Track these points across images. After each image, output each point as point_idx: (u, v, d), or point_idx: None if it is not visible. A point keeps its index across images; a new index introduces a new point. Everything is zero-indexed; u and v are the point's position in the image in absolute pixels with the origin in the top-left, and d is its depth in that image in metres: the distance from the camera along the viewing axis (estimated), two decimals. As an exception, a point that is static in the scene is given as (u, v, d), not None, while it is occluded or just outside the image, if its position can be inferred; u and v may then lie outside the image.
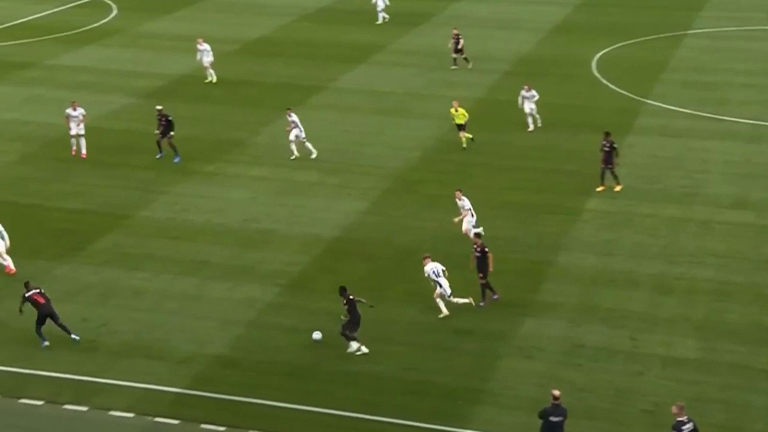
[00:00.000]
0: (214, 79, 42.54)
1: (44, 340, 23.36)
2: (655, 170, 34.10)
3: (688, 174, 33.83)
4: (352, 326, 23.26)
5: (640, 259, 27.99)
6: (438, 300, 24.86)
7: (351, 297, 23.37)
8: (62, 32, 47.38)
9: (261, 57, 46.83)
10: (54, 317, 23.42)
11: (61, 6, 54.28)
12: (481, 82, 42.81)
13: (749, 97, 41.31)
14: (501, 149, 36.07)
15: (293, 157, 34.20)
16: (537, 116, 37.45)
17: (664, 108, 40.15)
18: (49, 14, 52.94)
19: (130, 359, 23.06)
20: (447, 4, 57.38)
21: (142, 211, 30.69)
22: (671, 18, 54.10)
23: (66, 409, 21.21)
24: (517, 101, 37.60)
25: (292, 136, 34.26)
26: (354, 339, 23.23)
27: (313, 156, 34.23)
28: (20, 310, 23.59)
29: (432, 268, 24.90)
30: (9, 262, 26.77)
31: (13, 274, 26.50)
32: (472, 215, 28.59)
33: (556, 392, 19.58)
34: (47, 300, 23.42)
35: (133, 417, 21.01)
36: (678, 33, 51.31)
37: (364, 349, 23.28)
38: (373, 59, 46.85)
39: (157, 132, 34.48)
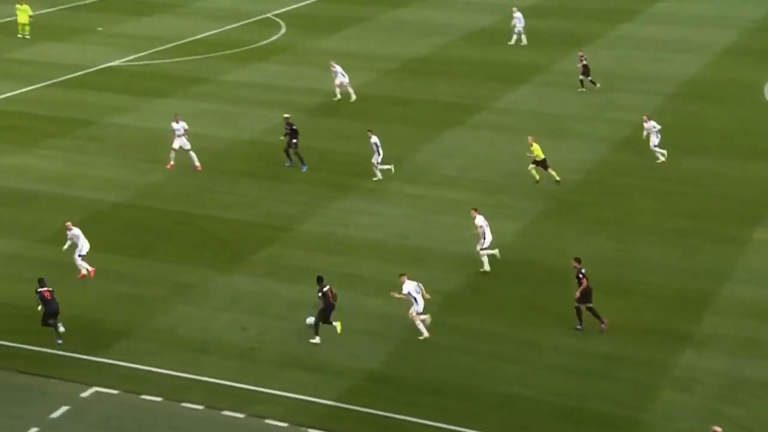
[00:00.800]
0: (353, 97, 42.80)
1: (58, 335, 24.38)
2: (829, 201, 32.43)
3: None
4: (321, 316, 24.05)
5: (810, 294, 26.67)
6: (416, 320, 24.68)
7: (325, 289, 24.15)
8: (233, 49, 49.11)
9: (421, 75, 47.21)
10: (55, 315, 24.45)
11: (233, 24, 56.32)
12: (644, 105, 41.82)
13: None
14: (665, 173, 35.11)
15: (375, 178, 34.21)
16: (657, 149, 35.59)
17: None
18: (221, 31, 54.97)
19: (286, 369, 23.57)
20: (613, 26, 56.37)
21: (301, 224, 31.39)
22: None
23: (224, 415, 21.86)
24: (680, 124, 36.51)
25: (374, 160, 34.13)
26: (317, 329, 24.15)
27: (379, 175, 33.94)
28: (38, 306, 24.58)
29: (412, 287, 24.81)
30: (84, 266, 27.59)
31: (92, 276, 27.44)
32: (484, 237, 27.97)
33: (718, 429, 18.85)
34: (53, 299, 24.53)
35: (287, 427, 21.46)
36: None
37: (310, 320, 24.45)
38: (535, 80, 46.48)
39: (282, 138, 35.37)
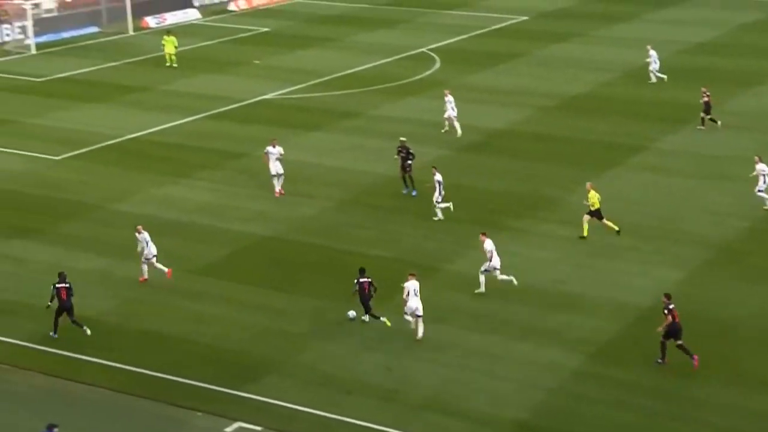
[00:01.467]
0: (459, 133, 42.74)
1: (55, 332, 26.31)
2: None
3: None
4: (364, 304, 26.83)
5: None
6: (407, 317, 26.50)
7: (363, 281, 26.93)
8: (386, 83, 49.70)
9: (580, 113, 46.55)
10: (70, 312, 26.23)
11: (387, 58, 57.07)
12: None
13: None
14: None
15: (436, 218, 34.07)
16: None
17: None
18: (375, 66, 55.78)
19: (430, 413, 23.39)
20: (787, 63, 54.31)
21: (450, 263, 31.25)
22: None
23: (362, 456, 21.84)
24: None
25: (434, 198, 33.97)
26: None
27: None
28: (50, 302, 26.40)
29: (413, 285, 26.55)
30: (160, 267, 29.63)
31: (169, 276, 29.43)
32: (491, 260, 28.62)
33: None
34: (69, 296, 26.17)
35: (427, 472, 21.23)
36: None
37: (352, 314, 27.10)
38: (700, 120, 45.12)
39: (396, 157, 36.20)
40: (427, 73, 54.41)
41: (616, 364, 25.44)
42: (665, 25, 65.19)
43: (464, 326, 27.28)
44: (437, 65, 56.08)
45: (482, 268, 28.90)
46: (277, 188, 36.09)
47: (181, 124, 45.75)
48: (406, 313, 26.67)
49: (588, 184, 32.90)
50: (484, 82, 51.95)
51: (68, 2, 65.54)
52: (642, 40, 60.96)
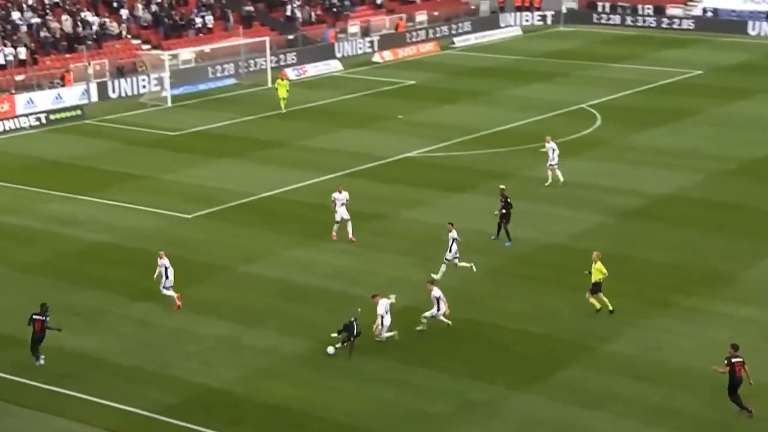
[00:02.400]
0: (561, 180, 43.49)
1: (38, 359, 28.66)
2: None
3: None
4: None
5: None
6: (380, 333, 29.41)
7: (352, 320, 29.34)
8: (540, 142, 49.24)
9: (760, 179, 44.99)
10: (38, 343, 28.63)
11: (542, 114, 56.75)
12: None
13: None
14: None
15: (437, 276, 34.29)
16: None
17: None
18: (528, 123, 55.55)
19: None
20: None
21: (608, 343, 30.36)
22: None
23: None
24: None
25: (446, 256, 34.47)
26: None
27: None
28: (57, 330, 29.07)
29: (384, 305, 29.46)
30: (171, 294, 32.44)
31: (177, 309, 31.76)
32: (438, 308, 30.38)
33: None
34: (43, 330, 28.58)
35: None
36: None
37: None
38: None
39: (495, 213, 37.77)
40: (587, 131, 53.81)
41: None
42: None
43: (621, 413, 26.31)
44: (598, 122, 55.42)
45: (428, 314, 30.66)
46: (350, 235, 38.34)
47: (317, 182, 46.43)
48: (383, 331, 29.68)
49: (595, 254, 32.03)
50: (651, 142, 50.97)
51: (207, 53, 68.00)
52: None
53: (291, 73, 68.78)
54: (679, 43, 76.11)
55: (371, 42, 76.40)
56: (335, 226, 38.57)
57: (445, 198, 43.61)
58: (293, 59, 70.97)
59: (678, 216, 40.83)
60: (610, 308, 31.99)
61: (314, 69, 70.36)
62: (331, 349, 29.62)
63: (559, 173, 44.01)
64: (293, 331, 31.35)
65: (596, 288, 32.06)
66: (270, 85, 65.46)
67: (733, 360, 25.88)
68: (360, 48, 75.80)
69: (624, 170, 46.77)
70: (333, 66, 71.63)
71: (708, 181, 44.94)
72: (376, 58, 74.25)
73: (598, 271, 31.92)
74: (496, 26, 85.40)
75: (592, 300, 32.07)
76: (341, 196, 38.44)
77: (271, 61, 67.77)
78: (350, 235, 38.52)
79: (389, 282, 34.39)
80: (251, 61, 69.01)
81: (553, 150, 44.20)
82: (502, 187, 38.63)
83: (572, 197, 43.13)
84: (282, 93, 58.67)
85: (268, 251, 38.18)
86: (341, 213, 38.48)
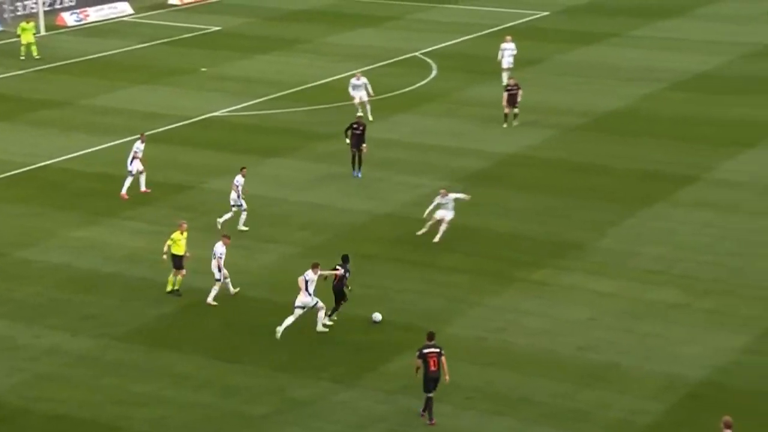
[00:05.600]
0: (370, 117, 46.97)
1: None
2: None
3: None
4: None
5: None
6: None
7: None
8: (370, 96, 49.99)
9: (617, 135, 47.05)
10: None
11: (370, 65, 57.47)
12: None
13: None
14: None
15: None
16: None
17: None
18: (355, 74, 56.21)
19: None
20: None
21: (447, 326, 31.42)
22: None
23: None
24: None
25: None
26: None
27: None
28: None
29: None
30: None
31: None
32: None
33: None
34: None
35: None
36: None
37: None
38: (767, 142, 45.70)
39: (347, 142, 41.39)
40: (421, 83, 54.92)
41: (660, 454, 25.67)
42: (724, 23, 66.05)
43: (465, 405, 27.38)
44: (434, 73, 56.61)
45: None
46: (142, 187, 40.59)
47: (107, 148, 46.02)
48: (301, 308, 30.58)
49: (181, 223, 33.56)
50: (493, 95, 52.40)
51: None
52: (694, 42, 61.76)
53: (70, 18, 67.52)
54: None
55: (167, -20, 75.55)
56: (128, 181, 39.90)
57: (260, 164, 43.94)
58: (71, 2, 69.58)
59: (525, 179, 42.30)
60: (173, 288, 32.93)
61: (98, 13, 69.30)
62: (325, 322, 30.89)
63: (368, 108, 47.50)
64: (82, 328, 31.22)
65: (178, 263, 32.86)
66: (44, 32, 64.13)
67: (425, 351, 26.49)
68: (153, -13, 74.87)
69: (465, 127, 48.08)
70: (121, 9, 70.68)
71: (558, 138, 46.70)
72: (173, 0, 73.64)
73: (178, 245, 32.77)
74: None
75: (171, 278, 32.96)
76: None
77: (44, 4, 66.26)
78: (143, 188, 40.30)
79: (196, 266, 34.51)
80: (18, 4, 67.28)
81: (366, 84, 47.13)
82: (359, 114, 41.96)
83: (408, 160, 44.11)
84: (27, 37, 57.98)
85: (50, 232, 37.77)
86: (136, 166, 40.05)
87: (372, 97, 48.32)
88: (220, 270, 32.50)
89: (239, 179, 37.40)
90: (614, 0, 72.65)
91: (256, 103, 51.90)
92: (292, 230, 37.60)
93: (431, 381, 26.48)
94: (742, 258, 35.30)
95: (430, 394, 26.50)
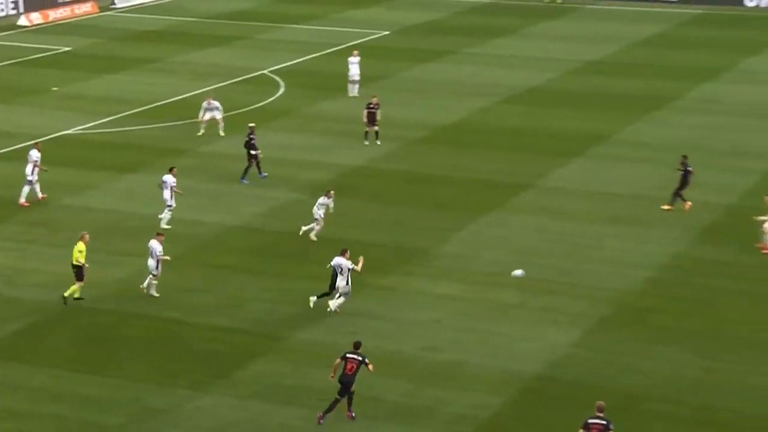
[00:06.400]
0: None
1: None
2: None
3: None
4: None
5: None
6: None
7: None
8: (222, 113, 49.66)
9: (456, 147, 47.65)
10: None
11: (221, 82, 57.19)
12: (734, 185, 41.94)
13: None
14: (760, 272, 35.04)
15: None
16: None
17: None
18: (207, 91, 55.79)
19: None
20: (694, 84, 56.96)
21: (299, 331, 31.40)
22: None
23: None
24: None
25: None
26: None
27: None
28: None
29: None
30: None
31: None
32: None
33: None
34: None
35: None
36: None
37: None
38: (593, 152, 46.85)
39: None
40: (270, 100, 54.81)
41: (501, 446, 26.05)
42: (551, 41, 67.67)
43: (317, 406, 27.38)
44: (281, 90, 56.55)
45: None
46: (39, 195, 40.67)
47: (-40, 167, 44.72)
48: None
49: (83, 235, 33.26)
50: (339, 110, 52.64)
51: None
52: (524, 59, 63.12)
53: None
54: (364, 3, 78.81)
55: (15, 2, 73.82)
56: (26, 189, 40.14)
57: (115, 180, 43.30)
58: None
59: (371, 190, 42.56)
60: (69, 295, 32.61)
61: (-53, 34, 67.26)
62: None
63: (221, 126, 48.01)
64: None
65: (79, 274, 32.56)
66: None
67: (348, 355, 26.84)
68: (2, 9, 73.08)
69: (313, 141, 48.14)
70: (-29, 30, 68.77)
71: (400, 150, 47.08)
72: (23, 21, 71.92)
73: (79, 253, 32.41)
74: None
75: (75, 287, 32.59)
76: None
77: None
78: (39, 195, 40.60)
79: (54, 280, 33.81)
80: None
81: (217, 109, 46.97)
82: (251, 124, 43.27)
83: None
84: None
85: None
86: (33, 174, 40.36)
87: (223, 116, 48.37)
88: (158, 267, 32.48)
89: (169, 178, 38.23)
90: (450, 20, 73.78)
91: (108, 121, 51.07)
92: (145, 244, 37.01)
93: (342, 384, 26.46)
94: (572, 260, 36.09)
95: (338, 396, 26.59)
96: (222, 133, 47.84)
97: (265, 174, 42.97)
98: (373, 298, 33.42)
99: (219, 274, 34.81)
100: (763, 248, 36.12)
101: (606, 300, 33.17)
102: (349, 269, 31.72)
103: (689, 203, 39.23)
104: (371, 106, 47.61)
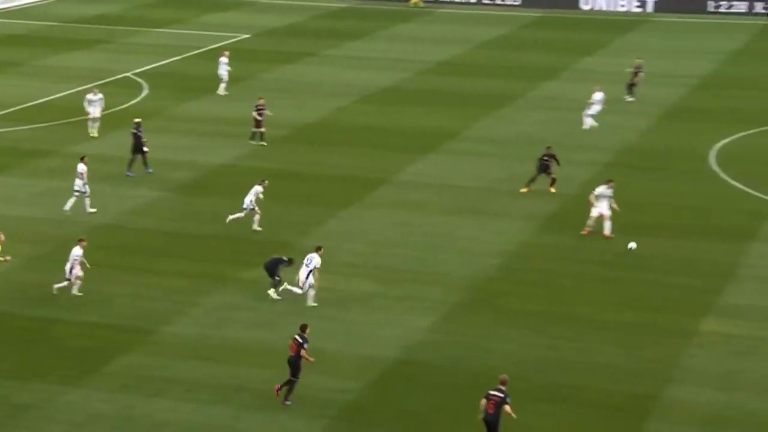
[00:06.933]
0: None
1: None
2: (788, 285, 33.54)
3: (829, 290, 33.20)
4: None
5: (769, 395, 27.40)
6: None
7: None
8: (84, 115, 48.57)
9: (314, 145, 47.58)
10: None
11: (83, 85, 55.96)
12: (574, 176, 42.82)
13: None
14: (597, 256, 35.84)
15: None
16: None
17: (798, 209, 39.68)
18: (69, 94, 54.64)
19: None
20: (536, 83, 57.98)
21: (168, 326, 30.97)
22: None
23: None
24: (618, 198, 37.36)
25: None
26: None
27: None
28: None
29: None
30: None
31: None
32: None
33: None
34: None
35: None
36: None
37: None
38: (445, 148, 47.30)
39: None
40: (133, 102, 53.88)
41: (360, 427, 26.04)
42: (401, 43, 68.16)
43: (185, 398, 27.06)
44: (145, 92, 55.66)
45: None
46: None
47: None
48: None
49: None
50: (202, 111, 52.08)
51: None
52: (379, 60, 63.45)
53: None
54: (223, 7, 78.14)
55: None
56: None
57: (-21, 182, 41.98)
58: None
59: (236, 187, 41.97)
60: None
61: None
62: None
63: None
64: None
65: None
66: None
67: (297, 336, 27.06)
68: None
69: (178, 142, 47.49)
70: None
71: (264, 149, 46.77)
72: None
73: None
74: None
75: None
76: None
77: None
78: None
79: None
80: None
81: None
82: (137, 120, 42.74)
83: (121, 173, 43.11)
84: None
85: None
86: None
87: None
88: (71, 271, 31.77)
89: (81, 167, 38.12)
90: (309, 23, 73.67)
91: (-27, 124, 49.51)
92: (13, 243, 35.99)
93: (289, 364, 26.80)
94: (427, 250, 36.38)
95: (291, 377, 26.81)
96: (95, 134, 46.76)
97: (151, 170, 42.64)
98: (238, 291, 33.14)
99: (87, 271, 34.04)
100: (586, 231, 37.00)
101: (459, 287, 33.53)
102: (316, 267, 31.57)
103: (526, 190, 40.17)
104: (259, 107, 47.05)
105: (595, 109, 49.19)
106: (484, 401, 24.29)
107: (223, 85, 54.31)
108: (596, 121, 49.16)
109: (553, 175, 40.87)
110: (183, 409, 26.66)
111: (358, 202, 40.69)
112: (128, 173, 42.37)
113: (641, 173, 41.99)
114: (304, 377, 27.88)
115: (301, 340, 26.90)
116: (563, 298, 32.85)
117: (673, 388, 27.68)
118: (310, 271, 31.65)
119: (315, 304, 31.79)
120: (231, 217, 37.36)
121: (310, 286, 31.75)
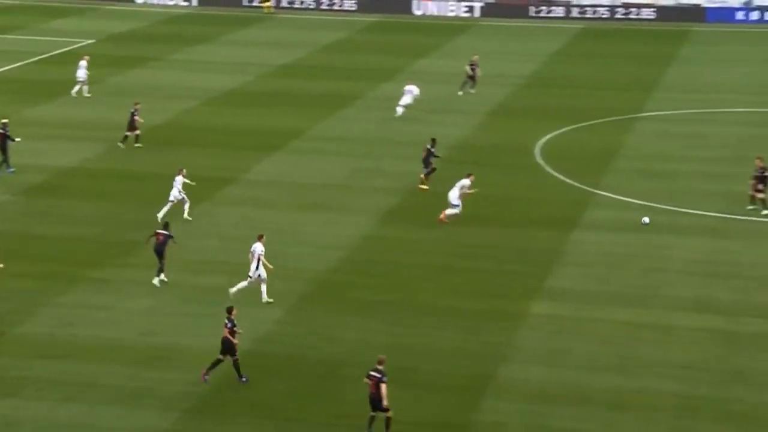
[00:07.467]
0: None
1: None
2: (608, 269, 34.57)
3: (644, 273, 34.34)
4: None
5: (593, 372, 28.15)
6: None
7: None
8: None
9: (161, 146, 46.76)
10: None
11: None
12: (409, 171, 43.24)
13: (712, 188, 42.35)
14: (437, 247, 36.28)
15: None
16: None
17: (616, 199, 40.95)
18: None
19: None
20: (374, 85, 58.33)
21: (18, 326, 29.98)
22: (621, 100, 55.68)
23: None
24: (448, 193, 37.93)
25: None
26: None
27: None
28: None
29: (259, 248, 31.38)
30: None
31: None
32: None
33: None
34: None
35: None
36: (629, 116, 52.76)
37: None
38: (290, 147, 47.17)
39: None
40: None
41: (214, 419, 25.73)
42: (244, 47, 67.72)
43: (36, 396, 26.26)
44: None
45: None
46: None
47: None
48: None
49: None
50: (47, 115, 50.70)
51: None
52: (222, 64, 62.92)
53: None
54: (66, 13, 76.20)
55: None
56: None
57: None
58: None
59: (84, 188, 41.21)
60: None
61: None
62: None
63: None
64: None
65: None
66: None
67: (229, 324, 27.10)
68: None
69: (23, 145, 45.89)
70: None
71: (110, 151, 45.75)
72: None
73: None
74: None
75: None
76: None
77: None
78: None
79: None
80: None
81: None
82: (4, 121, 41.33)
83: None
84: None
85: None
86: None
87: None
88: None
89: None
90: (153, 28, 72.50)
91: None
92: None
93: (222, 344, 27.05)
94: (274, 245, 36.00)
95: (220, 356, 27.04)
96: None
97: (13, 169, 41.85)
98: (89, 290, 32.36)
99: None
100: (442, 219, 37.53)
101: (306, 279, 33.47)
102: (259, 254, 31.29)
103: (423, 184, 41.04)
104: (134, 111, 45.88)
105: (405, 100, 50.52)
106: (366, 380, 24.50)
107: (85, 88, 53.39)
108: (414, 115, 50.19)
109: (428, 170, 41.26)
110: (36, 408, 25.86)
111: (207, 200, 40.17)
112: (9, 170, 41.84)
113: (472, 168, 42.61)
114: (158, 371, 27.45)
115: (228, 323, 26.97)
116: (405, 287, 33.12)
117: (507, 367, 28.24)
118: (258, 261, 31.22)
119: (271, 300, 31.33)
120: (162, 211, 37.05)
121: (261, 279, 31.34)
